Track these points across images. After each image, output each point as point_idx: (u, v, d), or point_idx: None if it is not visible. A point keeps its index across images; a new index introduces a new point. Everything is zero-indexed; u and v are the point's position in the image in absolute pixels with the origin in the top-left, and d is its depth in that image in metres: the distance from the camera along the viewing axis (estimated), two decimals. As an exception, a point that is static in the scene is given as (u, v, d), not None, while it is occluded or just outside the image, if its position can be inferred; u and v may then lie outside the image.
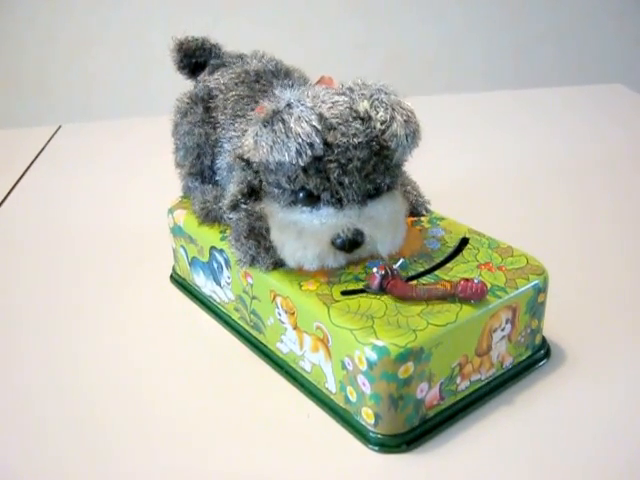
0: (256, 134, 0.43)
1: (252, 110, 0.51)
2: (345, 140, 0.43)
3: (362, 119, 0.44)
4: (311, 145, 0.41)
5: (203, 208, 0.53)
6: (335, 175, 0.43)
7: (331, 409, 0.45)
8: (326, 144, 0.42)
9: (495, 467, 0.41)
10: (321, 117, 0.43)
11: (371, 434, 0.42)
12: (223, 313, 0.55)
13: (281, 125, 0.42)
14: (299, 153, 0.41)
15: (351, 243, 0.44)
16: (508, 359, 0.47)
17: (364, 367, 0.40)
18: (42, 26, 1.70)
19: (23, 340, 0.55)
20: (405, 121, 0.43)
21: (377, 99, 0.44)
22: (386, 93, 0.44)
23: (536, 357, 0.49)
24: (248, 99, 0.53)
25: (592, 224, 0.71)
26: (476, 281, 0.42)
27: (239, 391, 0.48)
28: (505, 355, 0.46)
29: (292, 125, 0.41)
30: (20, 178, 0.90)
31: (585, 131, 0.98)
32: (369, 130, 0.44)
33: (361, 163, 0.43)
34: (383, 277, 0.44)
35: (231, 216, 0.50)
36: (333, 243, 0.44)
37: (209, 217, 0.53)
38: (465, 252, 0.48)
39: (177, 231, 0.57)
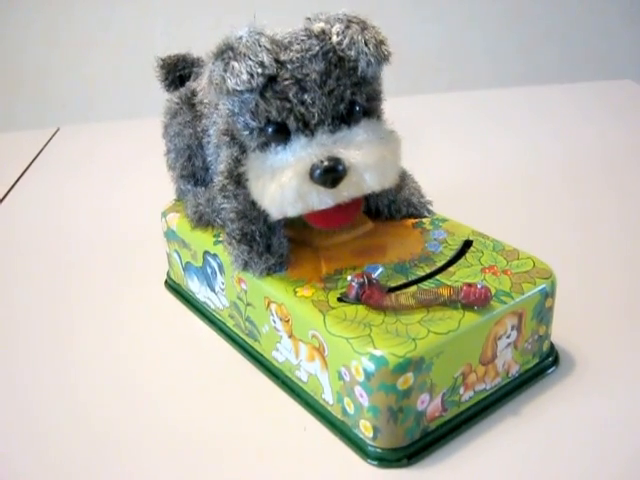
0: (210, 70, 0.41)
1: None
2: (299, 55, 0.41)
3: (316, 36, 0.42)
4: (261, 64, 0.39)
5: (196, 212, 0.51)
6: (293, 92, 0.40)
7: (328, 421, 0.43)
8: (279, 62, 0.40)
9: (501, 482, 0.39)
10: (272, 40, 0.41)
11: (370, 448, 0.40)
12: (218, 320, 0.53)
13: (230, 52, 0.40)
14: (250, 75, 0.39)
15: (330, 172, 0.40)
16: (514, 367, 0.44)
17: (361, 378, 0.38)
18: (40, 28, 1.69)
19: (14, 346, 0.54)
20: (362, 28, 0.41)
21: (334, 17, 0.42)
22: (346, 14, 0.42)
23: (544, 365, 0.46)
24: None
25: (602, 225, 0.68)
26: (479, 286, 0.40)
27: (234, 402, 0.46)
28: (511, 363, 0.44)
29: (241, 49, 0.40)
30: (17, 181, 0.88)
31: (594, 128, 0.96)
32: (324, 43, 0.41)
33: (320, 76, 0.41)
34: (360, 286, 0.41)
35: (221, 202, 0.47)
36: (312, 177, 0.40)
37: (202, 220, 0.51)
38: (468, 255, 0.46)
39: (170, 235, 0.55)
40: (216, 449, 0.42)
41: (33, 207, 0.81)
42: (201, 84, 0.43)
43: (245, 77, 0.39)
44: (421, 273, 0.44)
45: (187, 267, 0.55)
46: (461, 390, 0.42)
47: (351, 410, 0.41)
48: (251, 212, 0.45)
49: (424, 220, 0.51)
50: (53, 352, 0.53)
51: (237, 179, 0.46)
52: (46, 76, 1.74)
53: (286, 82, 0.40)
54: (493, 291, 0.42)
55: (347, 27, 0.41)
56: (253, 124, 0.42)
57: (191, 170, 0.54)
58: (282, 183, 0.40)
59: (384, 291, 0.41)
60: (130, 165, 0.91)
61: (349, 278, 0.42)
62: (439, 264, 0.45)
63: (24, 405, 0.47)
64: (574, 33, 1.89)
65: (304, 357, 0.43)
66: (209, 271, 0.51)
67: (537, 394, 0.45)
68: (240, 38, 0.41)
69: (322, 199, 0.41)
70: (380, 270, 0.44)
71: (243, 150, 0.46)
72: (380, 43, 0.41)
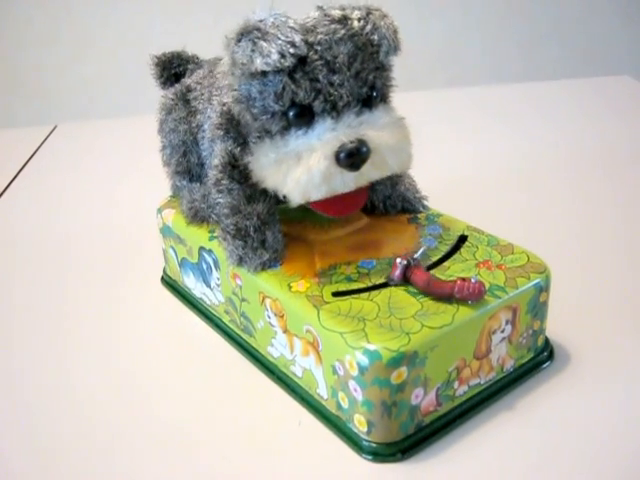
0: (232, 52, 0.41)
1: None
2: (327, 37, 0.41)
3: (338, 21, 0.42)
4: (292, 43, 0.39)
5: (191, 207, 0.51)
6: (324, 74, 0.40)
7: (323, 416, 0.43)
8: (307, 44, 0.40)
9: (496, 476, 0.39)
10: (296, 22, 0.41)
11: (364, 442, 0.40)
12: (214, 316, 0.53)
13: (257, 32, 0.39)
14: (282, 54, 0.39)
15: (357, 155, 0.40)
16: (509, 362, 0.44)
17: (355, 372, 0.38)
18: (38, 26, 1.69)
19: (9, 343, 0.54)
20: (383, 15, 0.42)
21: (349, 6, 0.43)
22: (357, 5, 0.43)
23: (539, 359, 0.46)
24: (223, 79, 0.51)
25: (597, 220, 0.68)
26: (473, 280, 0.40)
27: (230, 396, 0.46)
28: (506, 358, 0.44)
29: (269, 30, 0.39)
30: (14, 178, 0.88)
31: (591, 124, 0.96)
32: (348, 27, 0.42)
33: (348, 58, 0.41)
34: (406, 267, 0.41)
35: (215, 197, 0.47)
36: (338, 159, 0.40)
37: (197, 216, 0.51)
38: (463, 250, 0.46)
39: (166, 231, 0.55)
40: (211, 444, 0.42)
41: (30, 204, 0.81)
42: (220, 68, 0.42)
43: (276, 57, 0.39)
44: (415, 268, 0.44)
45: (183, 263, 0.55)
46: (455, 384, 0.42)
47: (345, 405, 0.41)
48: (245, 207, 0.45)
49: (419, 215, 0.51)
50: (49, 348, 0.53)
51: (231, 173, 0.46)
52: (44, 73, 1.74)
53: (316, 63, 0.40)
54: (487, 286, 0.42)
55: (368, 13, 0.42)
56: (276, 107, 0.41)
57: (186, 166, 0.54)
58: (310, 166, 0.40)
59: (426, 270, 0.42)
60: (127, 162, 0.91)
61: (397, 260, 0.42)
62: (434, 259, 0.45)
63: (19, 401, 0.47)
64: (572, 30, 1.89)
65: (299, 352, 0.43)
66: (204, 267, 0.51)
67: (532, 389, 0.45)
68: (262, 21, 0.40)
69: (346, 182, 0.41)
70: (423, 249, 0.45)
71: (237, 144, 0.46)
72: (396, 29, 0.43)
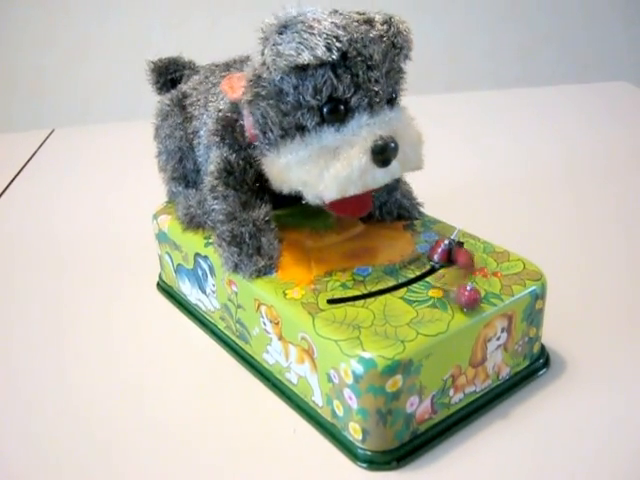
0: (274, 43, 0.40)
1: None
2: (362, 36, 0.41)
3: (365, 22, 0.42)
4: (337, 38, 0.39)
5: (187, 214, 0.51)
6: (364, 70, 0.41)
7: (318, 423, 0.43)
8: (347, 40, 0.40)
9: (490, 485, 0.39)
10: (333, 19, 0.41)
11: (359, 450, 0.40)
12: (209, 322, 0.53)
13: (301, 25, 0.39)
14: (328, 48, 0.39)
15: (391, 151, 0.40)
16: (505, 369, 0.44)
17: (350, 380, 0.38)
18: (36, 30, 1.69)
19: (4, 348, 0.54)
20: (401, 20, 0.43)
21: (365, 10, 0.43)
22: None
23: (535, 367, 0.46)
24: (219, 85, 0.51)
25: (594, 227, 0.68)
26: (468, 288, 0.40)
27: (224, 403, 0.46)
28: (501, 365, 0.44)
29: (312, 23, 0.39)
30: (11, 182, 0.88)
31: (589, 130, 0.96)
32: (376, 29, 0.42)
33: (382, 56, 0.42)
34: (450, 247, 0.43)
35: (211, 203, 0.47)
36: (373, 154, 0.40)
37: (193, 222, 0.51)
38: (459, 257, 0.46)
39: (162, 237, 0.55)
40: (206, 450, 0.42)
41: (27, 208, 0.80)
42: (256, 63, 0.42)
43: (323, 49, 0.39)
44: (411, 275, 0.44)
45: (178, 269, 0.55)
46: (451, 392, 0.41)
47: (340, 412, 0.40)
48: (241, 214, 0.45)
49: (415, 222, 0.51)
50: (44, 354, 0.52)
51: (226, 180, 0.46)
52: (42, 77, 1.74)
53: (357, 59, 0.41)
54: (483, 293, 0.41)
55: (390, 17, 0.43)
56: (312, 102, 0.41)
57: (182, 172, 0.54)
58: (351, 161, 0.40)
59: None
60: (124, 167, 0.91)
61: (446, 242, 0.44)
62: (429, 266, 0.45)
63: (15, 407, 0.47)
64: (570, 35, 1.89)
65: (294, 359, 0.43)
66: (200, 273, 0.51)
67: (528, 396, 0.45)
68: (302, 15, 0.40)
69: (376, 178, 0.41)
70: (457, 231, 0.46)
71: (233, 150, 0.46)
72: (412, 38, 0.44)
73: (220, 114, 0.47)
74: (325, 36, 0.39)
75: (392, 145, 0.40)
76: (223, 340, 0.51)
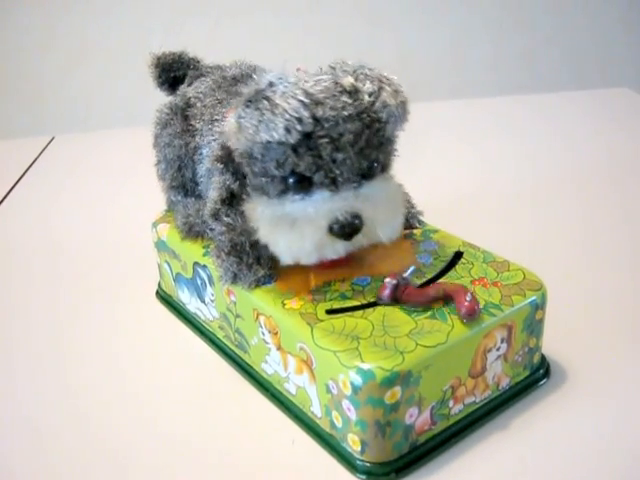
0: (239, 116, 0.40)
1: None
2: (334, 113, 0.40)
3: (349, 93, 0.41)
4: (299, 120, 0.38)
5: (185, 222, 0.51)
6: (328, 151, 0.40)
7: (317, 434, 0.42)
8: (314, 119, 0.40)
9: (490, 497, 0.38)
10: (306, 92, 0.40)
11: (358, 462, 0.40)
12: (208, 331, 0.53)
13: (265, 102, 0.39)
14: (287, 130, 0.38)
15: (350, 228, 0.41)
16: (505, 380, 0.44)
17: (349, 392, 0.38)
18: (36, 37, 1.69)
19: (4, 353, 0.53)
20: (394, 91, 0.42)
21: (361, 73, 0.42)
22: (369, 68, 0.42)
23: (535, 377, 0.46)
24: (225, 103, 0.51)
25: (594, 236, 0.68)
26: (468, 299, 0.40)
27: (223, 413, 0.46)
28: (501, 376, 0.44)
29: (277, 101, 0.39)
30: (11, 189, 0.88)
31: (591, 137, 0.95)
32: (358, 103, 0.41)
33: (354, 137, 0.40)
34: (395, 287, 0.41)
35: (213, 226, 0.47)
36: (331, 230, 0.40)
37: (192, 232, 0.51)
38: (458, 267, 0.46)
39: (161, 246, 0.55)
40: (204, 461, 0.42)
41: (27, 216, 0.80)
42: (227, 129, 0.42)
43: (281, 132, 0.38)
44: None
45: (177, 278, 0.54)
46: (450, 403, 0.41)
47: (339, 423, 0.40)
48: (240, 224, 0.45)
49: (415, 231, 0.51)
50: (43, 362, 0.52)
51: (228, 207, 0.47)
52: (42, 84, 1.74)
53: (321, 140, 0.40)
54: (482, 303, 0.41)
55: (380, 88, 0.41)
56: (275, 172, 0.41)
57: (181, 181, 0.54)
58: (304, 235, 0.41)
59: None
60: (124, 174, 0.91)
61: (386, 280, 0.42)
62: (429, 276, 0.45)
63: (15, 418, 0.47)
64: (573, 42, 1.89)
65: (292, 370, 0.43)
66: (199, 282, 0.51)
67: (528, 407, 0.44)
68: (272, 86, 0.40)
69: (336, 250, 0.42)
70: (412, 269, 0.44)
71: (236, 178, 0.46)
72: (405, 104, 0.42)
73: (225, 140, 0.47)
74: (287, 117, 0.38)
75: (355, 222, 0.40)
76: (222, 349, 0.51)
